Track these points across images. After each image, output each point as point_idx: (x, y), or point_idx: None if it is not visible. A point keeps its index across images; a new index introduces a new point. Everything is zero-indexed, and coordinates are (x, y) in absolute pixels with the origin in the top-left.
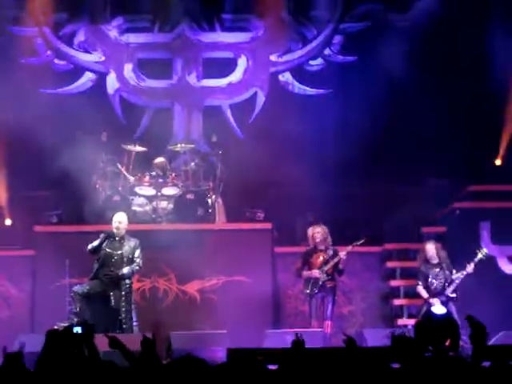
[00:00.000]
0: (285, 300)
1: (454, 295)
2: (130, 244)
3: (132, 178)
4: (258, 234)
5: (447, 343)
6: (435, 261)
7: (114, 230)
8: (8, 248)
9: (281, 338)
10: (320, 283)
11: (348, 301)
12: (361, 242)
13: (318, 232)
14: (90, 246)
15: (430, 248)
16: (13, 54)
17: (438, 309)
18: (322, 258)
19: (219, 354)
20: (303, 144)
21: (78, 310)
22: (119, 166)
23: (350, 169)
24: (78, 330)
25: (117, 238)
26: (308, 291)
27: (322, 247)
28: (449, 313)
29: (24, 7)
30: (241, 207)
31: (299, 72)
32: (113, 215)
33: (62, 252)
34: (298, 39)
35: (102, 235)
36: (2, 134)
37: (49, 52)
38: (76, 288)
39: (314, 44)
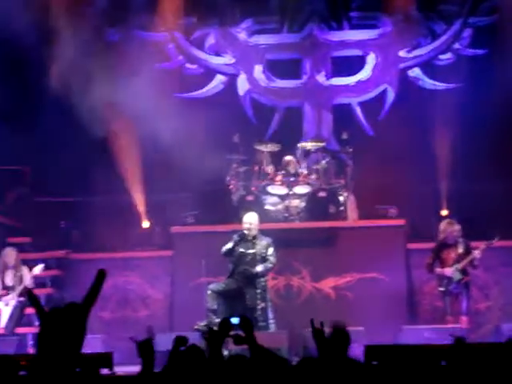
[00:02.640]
0: (419, 296)
1: None
2: (262, 243)
3: (271, 168)
4: (391, 231)
5: None
6: None
7: (246, 231)
8: (146, 249)
9: (417, 334)
10: (454, 280)
11: (484, 296)
12: (495, 240)
13: (449, 227)
14: (224, 249)
15: None
16: (145, 60)
17: None
18: (453, 254)
19: (356, 351)
20: (434, 139)
21: (215, 307)
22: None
23: (481, 164)
24: (235, 321)
25: (249, 238)
26: (442, 289)
27: (453, 242)
28: None
29: (155, 13)
30: (373, 204)
31: (429, 67)
32: (243, 216)
33: (198, 252)
34: (427, 34)
35: (234, 237)
36: (139, 140)
37: (180, 57)
38: (212, 286)
39: (443, 38)
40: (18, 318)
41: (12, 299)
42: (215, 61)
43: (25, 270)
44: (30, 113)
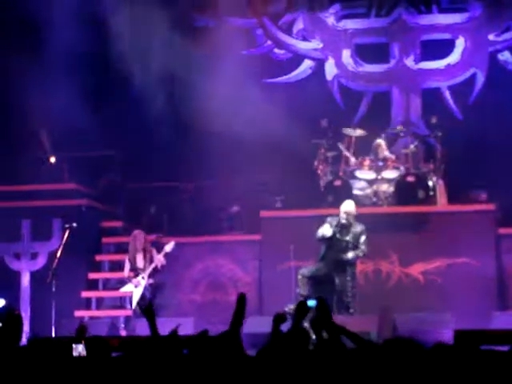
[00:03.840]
0: (510, 281)
1: None
2: (356, 230)
3: (354, 160)
4: (481, 216)
5: None
6: None
7: (343, 221)
8: (235, 233)
9: (508, 320)
10: None
11: None
12: None
13: None
14: (320, 235)
15: None
16: (234, 45)
17: None
18: None
19: (446, 336)
20: None
21: (306, 293)
22: (342, 148)
23: None
24: (312, 303)
25: (345, 225)
26: None
27: None
28: None
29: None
30: (463, 189)
31: None
32: (332, 202)
33: (286, 236)
34: None
35: (329, 220)
36: (227, 124)
37: (269, 42)
38: (302, 270)
39: None
40: (149, 299)
41: (143, 280)
42: (303, 46)
43: (154, 250)
44: (120, 100)
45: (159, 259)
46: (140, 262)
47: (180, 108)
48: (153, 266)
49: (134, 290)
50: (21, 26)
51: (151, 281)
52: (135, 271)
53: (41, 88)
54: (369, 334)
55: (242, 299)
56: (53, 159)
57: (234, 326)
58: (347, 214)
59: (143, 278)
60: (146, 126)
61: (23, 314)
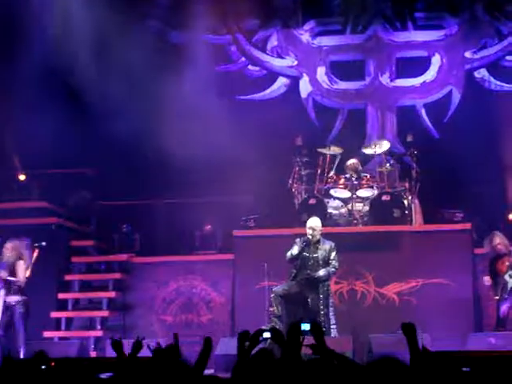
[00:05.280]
0: (487, 303)
1: None
2: (325, 247)
3: (332, 174)
4: (458, 235)
5: None
6: None
7: (309, 236)
8: (208, 252)
9: (484, 341)
10: (508, 288)
11: None
12: None
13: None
14: (289, 255)
15: None
16: (207, 62)
17: None
18: (507, 262)
19: None
20: (501, 143)
21: (279, 313)
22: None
23: None
24: (306, 327)
25: (313, 242)
26: (497, 297)
27: (506, 252)
28: None
29: (217, 16)
30: (438, 208)
31: (495, 68)
32: (306, 221)
33: (260, 255)
34: (494, 35)
35: (297, 241)
36: (200, 142)
37: (243, 59)
38: (276, 289)
39: (510, 39)
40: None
41: None
42: (278, 63)
43: (19, 264)
44: (92, 117)
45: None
46: (3, 275)
47: (153, 126)
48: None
49: None
50: None
51: (17, 298)
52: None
53: (11, 104)
54: (344, 354)
55: (208, 342)
56: (22, 177)
57: (199, 367)
58: (312, 229)
59: (2, 294)
60: (119, 144)
61: None
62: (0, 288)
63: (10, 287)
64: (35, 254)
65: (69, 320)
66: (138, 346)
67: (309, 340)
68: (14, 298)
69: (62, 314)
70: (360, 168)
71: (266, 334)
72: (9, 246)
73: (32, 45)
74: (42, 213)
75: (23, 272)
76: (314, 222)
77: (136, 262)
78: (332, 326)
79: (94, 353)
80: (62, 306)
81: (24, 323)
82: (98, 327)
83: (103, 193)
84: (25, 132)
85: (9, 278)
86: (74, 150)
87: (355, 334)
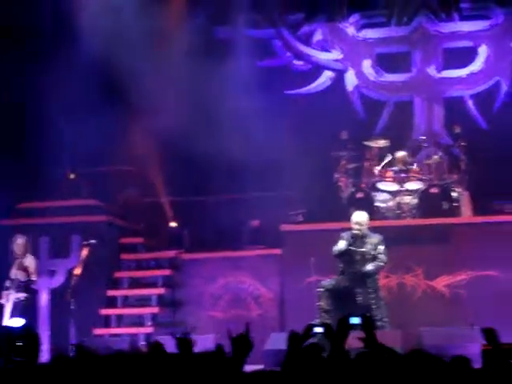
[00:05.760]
0: None
1: None
2: (372, 241)
3: (378, 169)
4: (508, 227)
5: None
6: None
7: (356, 232)
8: (256, 248)
9: None
10: None
11: None
12: None
13: None
14: (336, 251)
15: None
16: (252, 57)
17: None
18: None
19: (473, 351)
20: None
21: (327, 307)
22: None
23: None
24: (356, 320)
25: (359, 237)
26: None
27: None
28: None
29: (261, 10)
30: (487, 200)
31: None
32: (352, 215)
33: (308, 250)
34: None
35: (343, 235)
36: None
37: (288, 53)
38: (324, 283)
39: None
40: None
41: (11, 295)
42: (323, 56)
43: (29, 262)
44: (140, 114)
45: (27, 272)
46: (13, 272)
47: (199, 122)
48: (21, 278)
49: (6, 304)
50: (37, 38)
51: (21, 295)
52: (10, 281)
53: (59, 104)
54: (393, 348)
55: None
56: (72, 175)
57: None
58: (359, 224)
59: (11, 293)
60: (166, 141)
61: (42, 333)
62: (12, 288)
63: (18, 284)
64: (85, 252)
65: (119, 317)
66: (186, 342)
67: (358, 334)
68: (19, 295)
69: (112, 311)
70: (409, 160)
71: (318, 329)
72: (19, 241)
73: (78, 43)
74: (91, 211)
75: (33, 268)
76: (360, 217)
77: (184, 258)
78: (382, 320)
79: (145, 349)
80: (112, 302)
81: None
82: (148, 323)
83: (151, 190)
84: (73, 131)
85: (20, 278)
86: (121, 148)
87: (405, 328)
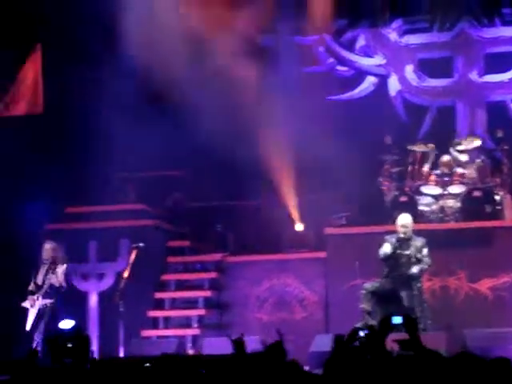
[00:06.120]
0: None
1: None
2: (416, 244)
3: (424, 170)
4: None
5: None
6: None
7: (401, 235)
8: (300, 251)
9: None
10: None
11: None
12: None
13: None
14: (382, 254)
15: None
16: (295, 64)
17: None
18: None
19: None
20: None
21: (370, 309)
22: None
23: None
24: (398, 320)
25: (405, 240)
26: None
27: None
28: None
29: (305, 17)
30: None
31: None
32: (397, 218)
33: (352, 253)
34: None
35: (387, 238)
36: (289, 142)
37: (331, 59)
38: (367, 285)
39: None
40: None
41: (37, 301)
42: (366, 62)
43: (59, 268)
44: (185, 119)
45: (56, 278)
46: (40, 278)
47: (243, 127)
48: (47, 284)
49: (31, 309)
50: (87, 44)
51: (48, 301)
52: (36, 287)
53: (108, 110)
54: (437, 351)
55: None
56: (119, 180)
57: None
58: (404, 226)
59: (38, 298)
60: (211, 146)
61: (91, 335)
62: (39, 293)
63: (46, 291)
64: (133, 255)
65: (166, 319)
66: (239, 343)
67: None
68: (44, 301)
69: (160, 313)
70: (453, 164)
71: (362, 333)
72: (47, 246)
73: (126, 50)
74: (139, 215)
75: (61, 276)
76: (406, 220)
77: (230, 261)
78: (428, 322)
79: (192, 351)
80: (160, 305)
81: (45, 325)
82: (195, 325)
83: (197, 194)
84: (121, 137)
85: (47, 284)
86: (167, 153)
87: (449, 330)
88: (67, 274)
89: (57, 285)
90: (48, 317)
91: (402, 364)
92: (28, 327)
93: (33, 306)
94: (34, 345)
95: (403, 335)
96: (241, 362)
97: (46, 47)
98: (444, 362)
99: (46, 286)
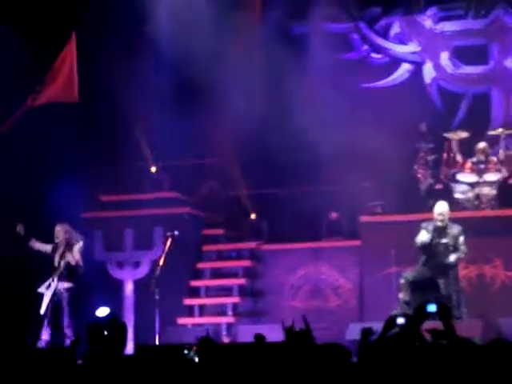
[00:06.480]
0: None
1: None
2: (453, 232)
3: (459, 158)
4: None
5: None
6: None
7: (438, 223)
8: (335, 239)
9: None
10: None
11: None
12: None
13: None
14: (419, 242)
15: None
16: (329, 51)
17: None
18: None
19: None
20: None
21: (408, 298)
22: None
23: None
24: (432, 308)
25: (441, 228)
26: None
27: None
28: None
29: (338, 5)
30: None
31: None
32: (434, 206)
33: (386, 241)
34: None
35: (424, 226)
36: (321, 131)
37: (365, 47)
38: (406, 274)
39: None
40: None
41: (53, 283)
42: (401, 49)
43: (74, 248)
44: (219, 108)
45: (72, 257)
46: (56, 260)
47: (277, 116)
48: (63, 266)
49: (46, 292)
50: (125, 38)
51: (66, 285)
52: (53, 270)
53: (145, 100)
54: (472, 339)
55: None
56: (154, 169)
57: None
58: (441, 214)
59: (53, 280)
60: (245, 134)
61: (127, 323)
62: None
63: (61, 273)
64: (168, 243)
65: (201, 306)
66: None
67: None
68: (62, 285)
69: (195, 301)
70: (489, 151)
71: (400, 320)
72: (58, 228)
73: (162, 43)
74: (173, 203)
75: (77, 254)
76: (443, 208)
77: (264, 249)
78: (463, 310)
79: (227, 338)
80: (195, 292)
81: (69, 309)
82: (230, 313)
83: (231, 183)
84: (157, 126)
85: (63, 266)
86: (202, 142)
87: (484, 319)
88: (83, 253)
89: (73, 263)
90: (67, 302)
91: (436, 353)
92: (42, 310)
93: (48, 289)
94: (65, 331)
95: (438, 323)
96: (289, 350)
97: (82, 36)
98: (478, 351)
99: (62, 267)
